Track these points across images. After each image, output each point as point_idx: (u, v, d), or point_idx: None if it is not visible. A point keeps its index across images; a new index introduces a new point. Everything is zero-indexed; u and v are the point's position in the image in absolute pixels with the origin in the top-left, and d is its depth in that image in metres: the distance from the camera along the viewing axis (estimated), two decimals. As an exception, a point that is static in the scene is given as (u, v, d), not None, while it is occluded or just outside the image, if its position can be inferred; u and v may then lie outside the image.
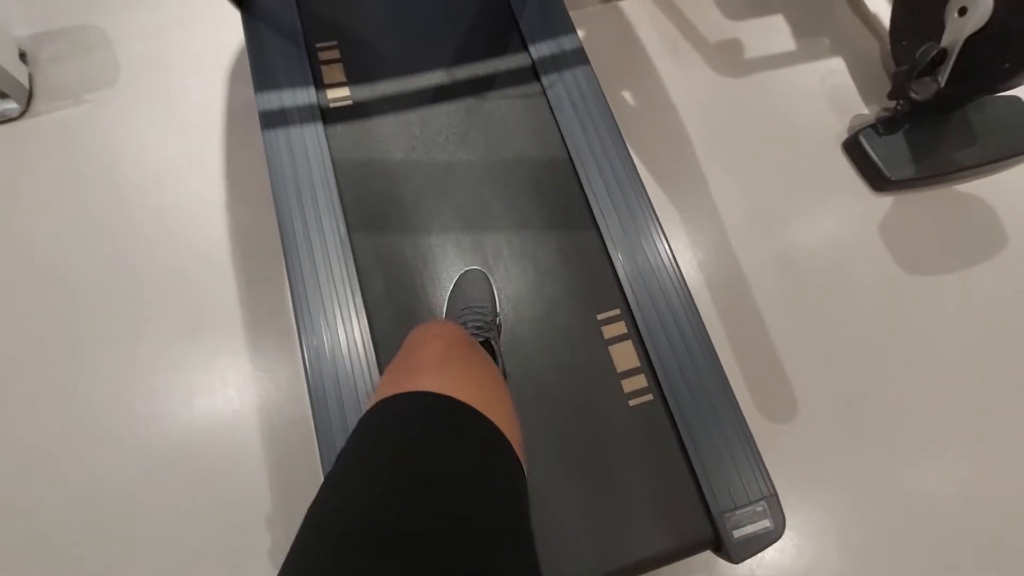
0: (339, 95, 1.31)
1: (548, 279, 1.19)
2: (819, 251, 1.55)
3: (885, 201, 1.61)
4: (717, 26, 1.80)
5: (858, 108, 1.72)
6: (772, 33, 1.81)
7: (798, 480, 1.30)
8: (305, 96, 1.28)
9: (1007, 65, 1.36)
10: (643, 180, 1.26)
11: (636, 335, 1.15)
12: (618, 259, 1.19)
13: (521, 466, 0.51)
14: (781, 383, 1.39)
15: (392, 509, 0.40)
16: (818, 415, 1.37)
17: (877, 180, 1.60)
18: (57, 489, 1.24)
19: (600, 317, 1.16)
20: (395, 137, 1.29)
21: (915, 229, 1.58)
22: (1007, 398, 1.42)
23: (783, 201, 1.59)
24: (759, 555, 1.00)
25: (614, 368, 1.13)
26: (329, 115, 1.29)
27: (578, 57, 1.37)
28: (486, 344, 1.04)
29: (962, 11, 1.37)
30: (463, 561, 0.38)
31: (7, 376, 1.32)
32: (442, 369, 0.54)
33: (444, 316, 1.13)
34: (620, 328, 1.16)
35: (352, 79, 1.33)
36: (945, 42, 1.43)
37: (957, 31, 1.39)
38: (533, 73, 1.37)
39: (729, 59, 1.76)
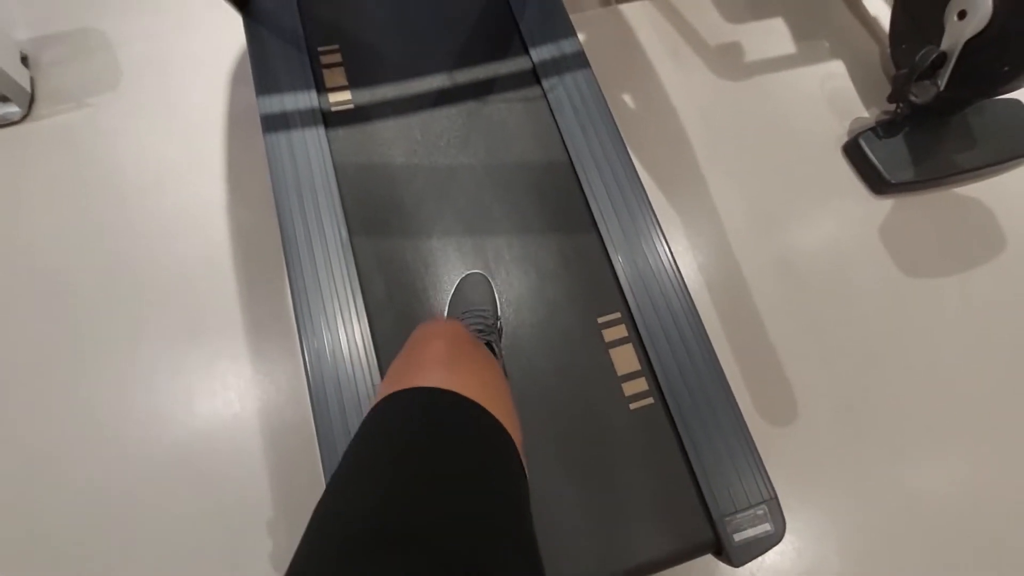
0: (341, 99, 1.32)
1: (549, 282, 1.19)
2: (819, 254, 1.55)
3: (885, 204, 1.61)
4: (717, 29, 1.80)
5: (858, 111, 1.72)
6: (772, 36, 1.82)
7: (798, 483, 1.30)
8: (307, 100, 1.28)
9: (1006, 68, 1.36)
10: (643, 183, 1.26)
11: (637, 338, 1.15)
12: (619, 262, 1.19)
13: (522, 464, 0.51)
14: (781, 386, 1.40)
15: (395, 510, 0.41)
16: (818, 417, 1.37)
17: (877, 183, 1.60)
18: (58, 491, 1.24)
19: (601, 320, 1.17)
20: (396, 141, 1.29)
21: (915, 232, 1.58)
22: (1007, 400, 1.43)
23: (783, 204, 1.60)
24: (759, 558, 1.00)
25: (615, 371, 1.13)
26: (331, 119, 1.29)
27: (579, 60, 1.37)
28: (487, 347, 1.04)
29: (961, 14, 1.38)
30: (465, 560, 0.38)
31: (8, 379, 1.32)
32: (446, 365, 0.55)
33: (445, 319, 1.13)
34: (621, 331, 1.16)
35: (353, 83, 1.33)
36: (945, 45, 1.43)
37: (956, 34, 1.39)
38: (534, 77, 1.37)
39: (729, 62, 1.76)
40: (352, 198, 1.23)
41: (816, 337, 1.45)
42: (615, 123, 1.31)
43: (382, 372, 1.08)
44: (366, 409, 1.03)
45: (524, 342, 1.14)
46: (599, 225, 1.22)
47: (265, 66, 1.31)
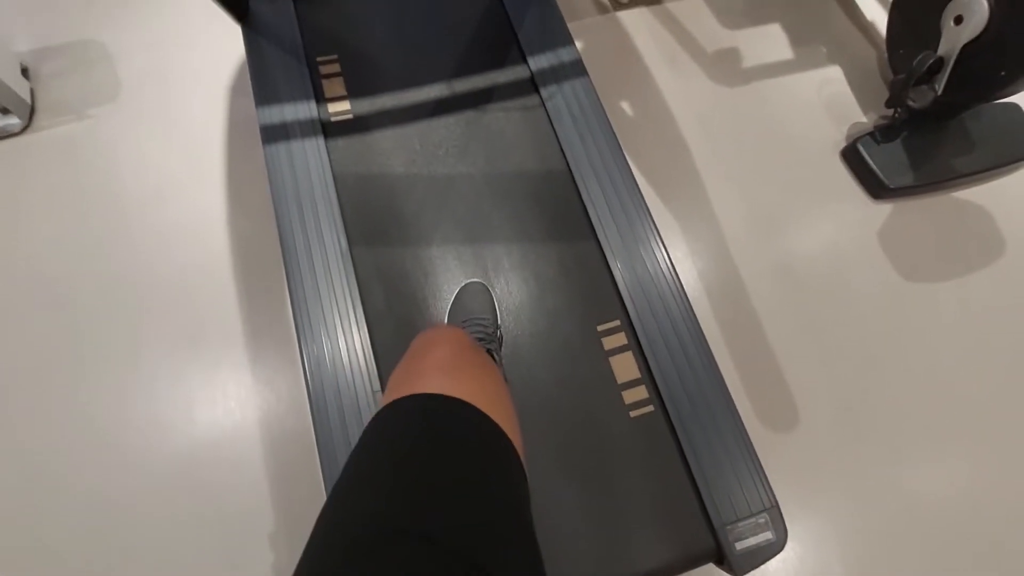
0: (340, 109, 1.32)
1: (548, 291, 1.20)
2: (818, 259, 1.55)
3: (883, 208, 1.62)
4: (714, 36, 1.81)
5: (856, 116, 1.73)
6: (769, 42, 1.82)
7: (799, 488, 1.30)
8: (306, 110, 1.29)
9: (1003, 73, 1.37)
10: (642, 190, 1.27)
11: (636, 346, 1.15)
12: (618, 270, 1.19)
13: (523, 468, 0.52)
14: (781, 391, 1.40)
15: (398, 513, 0.41)
16: (818, 422, 1.37)
17: (875, 188, 1.60)
18: (58, 499, 1.24)
19: (600, 328, 1.17)
20: (395, 150, 1.29)
21: (913, 236, 1.59)
22: (1006, 402, 1.43)
23: (782, 209, 1.60)
24: (761, 567, 1.00)
25: (615, 379, 1.13)
26: (330, 128, 1.30)
27: (576, 68, 1.38)
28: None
29: (958, 20, 1.38)
30: (467, 559, 0.39)
31: (9, 388, 1.33)
32: (447, 372, 0.56)
33: (445, 328, 1.13)
34: (620, 339, 1.16)
35: (353, 93, 1.34)
36: (942, 50, 1.44)
37: (953, 39, 1.40)
38: (532, 85, 1.37)
39: (727, 69, 1.76)
40: (351, 207, 1.23)
41: (815, 341, 1.45)
42: (613, 131, 1.31)
43: (382, 381, 1.08)
44: (366, 418, 1.04)
45: (524, 351, 1.15)
46: (598, 233, 1.22)
47: (264, 76, 1.32)
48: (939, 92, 1.48)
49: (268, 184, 1.22)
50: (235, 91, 1.62)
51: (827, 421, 1.37)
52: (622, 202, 1.25)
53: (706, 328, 1.16)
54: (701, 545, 1.01)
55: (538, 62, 1.38)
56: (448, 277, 1.19)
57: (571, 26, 1.43)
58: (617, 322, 1.17)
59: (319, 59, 1.37)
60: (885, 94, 1.64)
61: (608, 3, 1.84)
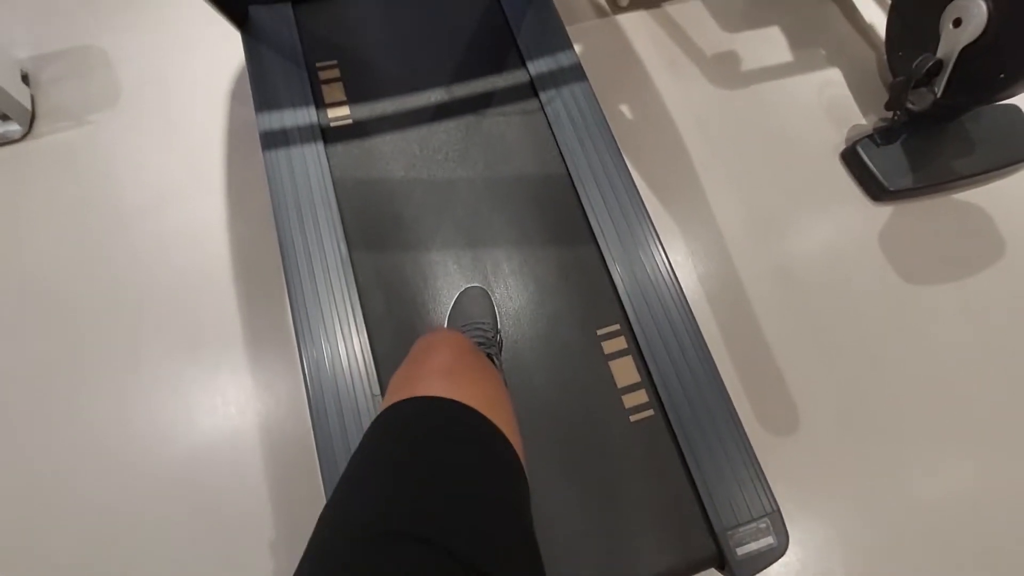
0: (339, 114, 1.32)
1: (548, 295, 1.19)
2: (818, 261, 1.55)
3: (884, 211, 1.61)
4: (714, 39, 1.81)
5: (855, 119, 1.73)
6: (769, 45, 1.82)
7: (800, 492, 1.29)
8: (305, 115, 1.29)
9: (1002, 75, 1.37)
10: (642, 194, 1.27)
11: (636, 350, 1.15)
12: (617, 274, 1.19)
13: (523, 469, 0.52)
14: (782, 395, 1.39)
15: (399, 513, 0.42)
16: (819, 425, 1.37)
17: (875, 190, 1.60)
18: (58, 507, 1.24)
19: (600, 332, 1.17)
20: (395, 155, 1.30)
21: (914, 238, 1.58)
22: (1006, 403, 1.43)
23: (782, 212, 1.60)
24: (763, 572, 1.00)
25: (615, 383, 1.13)
26: (329, 134, 1.30)
27: (576, 72, 1.38)
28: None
29: (957, 22, 1.38)
30: (467, 559, 0.39)
31: (8, 395, 1.32)
32: (449, 376, 0.56)
33: (445, 332, 1.13)
34: (620, 343, 1.16)
35: (352, 98, 1.34)
36: (941, 53, 1.44)
37: (952, 42, 1.40)
38: (531, 89, 1.38)
39: (726, 72, 1.77)
40: (351, 213, 1.23)
41: (816, 344, 1.45)
42: (612, 134, 1.32)
43: (382, 385, 1.08)
44: (366, 422, 1.04)
45: (524, 355, 1.14)
46: (597, 237, 1.22)
47: (264, 82, 1.32)
48: (938, 94, 1.48)
49: (268, 189, 1.22)
50: (235, 97, 1.63)
51: (828, 424, 1.37)
52: (621, 206, 1.25)
53: (706, 331, 1.16)
54: (702, 550, 1.00)
55: (537, 66, 1.38)
56: (448, 282, 1.19)
57: (570, 30, 1.43)
58: (617, 326, 1.17)
59: (318, 64, 1.37)
60: (884, 96, 1.64)
61: (607, 6, 1.84)
